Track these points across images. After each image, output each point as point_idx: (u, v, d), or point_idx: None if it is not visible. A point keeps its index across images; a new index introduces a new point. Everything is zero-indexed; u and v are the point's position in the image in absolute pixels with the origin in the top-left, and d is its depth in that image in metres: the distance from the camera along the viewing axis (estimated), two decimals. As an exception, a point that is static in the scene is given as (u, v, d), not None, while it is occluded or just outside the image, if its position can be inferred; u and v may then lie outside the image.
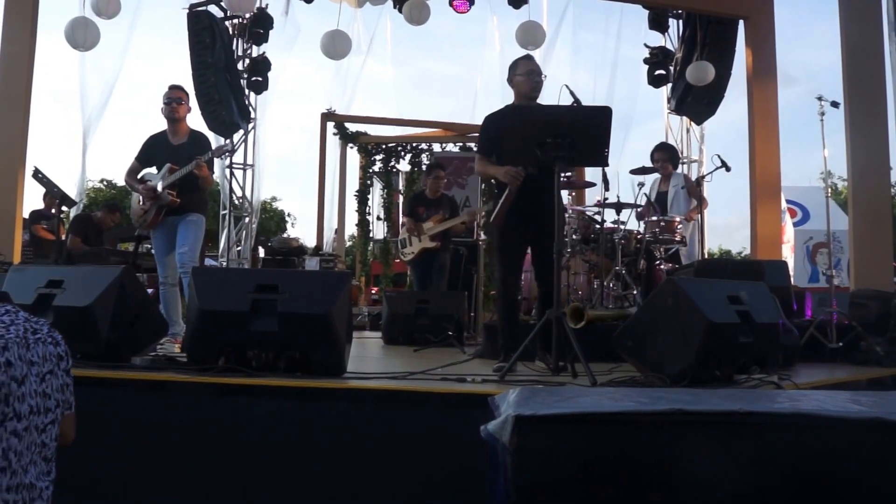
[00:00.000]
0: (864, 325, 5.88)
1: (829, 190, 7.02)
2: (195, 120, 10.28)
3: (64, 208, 7.38)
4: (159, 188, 5.81)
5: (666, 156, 8.04)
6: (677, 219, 7.12)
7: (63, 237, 8.24)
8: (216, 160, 6.53)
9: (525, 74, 4.91)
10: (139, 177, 6.04)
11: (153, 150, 6.05)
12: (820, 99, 6.11)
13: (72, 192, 9.16)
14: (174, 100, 5.97)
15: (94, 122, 11.48)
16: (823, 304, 6.19)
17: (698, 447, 2.06)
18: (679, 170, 8.99)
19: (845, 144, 8.24)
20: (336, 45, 10.77)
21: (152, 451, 3.41)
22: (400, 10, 10.98)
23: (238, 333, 3.70)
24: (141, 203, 5.96)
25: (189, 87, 10.15)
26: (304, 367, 3.71)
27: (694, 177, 10.22)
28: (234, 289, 3.79)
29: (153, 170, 6.01)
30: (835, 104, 6.16)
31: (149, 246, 7.11)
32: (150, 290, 6.73)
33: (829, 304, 5.95)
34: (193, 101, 9.95)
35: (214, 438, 3.41)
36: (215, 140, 8.90)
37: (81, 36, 9.39)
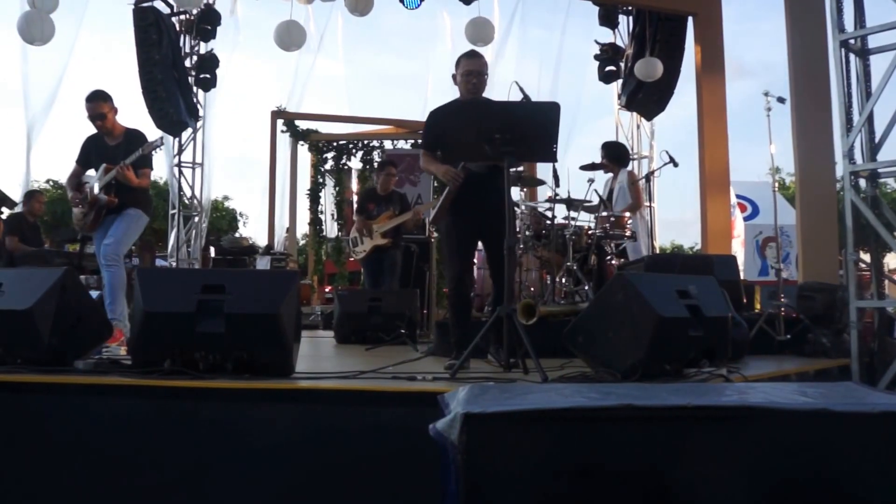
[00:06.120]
0: (811, 317, 5.97)
1: (778, 185, 7.11)
2: (142, 117, 10.17)
3: (4, 209, 7.22)
4: (96, 190, 5.71)
5: (604, 153, 8.01)
6: (627, 214, 7.15)
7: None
8: (163, 157, 6.43)
9: (463, 75, 4.81)
10: (82, 179, 5.93)
11: (90, 152, 5.95)
12: (766, 94, 6.17)
13: (16, 193, 8.98)
14: (97, 117, 5.84)
15: (38, 120, 11.28)
16: (772, 298, 6.26)
17: (648, 442, 2.06)
18: (630, 166, 9.04)
19: (792, 140, 8.37)
20: (291, 36, 10.62)
21: (97, 456, 3.33)
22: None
23: (184, 335, 3.61)
24: (80, 206, 5.85)
25: (136, 85, 10.09)
26: (251, 368, 3.65)
27: (644, 172, 10.30)
28: (180, 290, 3.70)
29: (94, 171, 5.90)
30: (781, 100, 6.23)
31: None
32: (97, 292, 6.59)
33: (777, 298, 6.02)
34: (139, 98, 9.88)
35: (161, 442, 3.34)
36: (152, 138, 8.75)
37: (38, 30, 9.07)
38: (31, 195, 9.15)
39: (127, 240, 5.85)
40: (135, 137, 5.90)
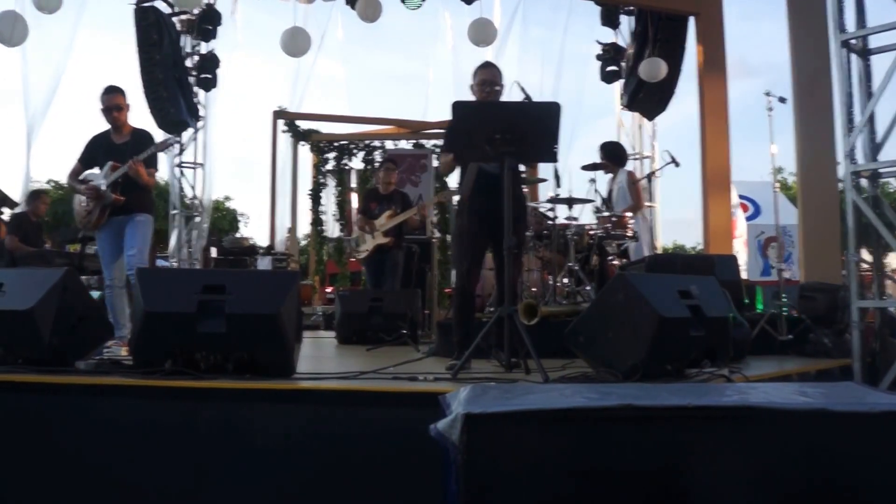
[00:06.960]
0: (812, 317, 5.96)
1: (780, 185, 7.11)
2: (143, 117, 10.16)
3: (6, 209, 7.21)
4: (102, 187, 5.68)
5: (602, 154, 8.00)
6: (628, 215, 7.15)
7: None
8: (164, 157, 6.40)
9: (479, 84, 4.95)
10: (81, 178, 5.90)
11: (96, 151, 5.92)
12: (768, 94, 6.17)
13: (17, 193, 8.97)
14: (113, 107, 5.83)
15: (38, 120, 11.28)
16: (774, 298, 6.26)
17: (649, 442, 2.05)
18: (629, 166, 9.02)
19: (794, 139, 8.36)
20: (297, 43, 10.61)
21: (98, 457, 3.33)
22: (352, 7, 10.89)
23: (185, 335, 3.61)
24: (84, 204, 5.82)
25: (137, 85, 10.08)
26: (252, 368, 3.65)
27: (646, 172, 10.29)
28: (181, 290, 3.70)
29: (96, 170, 5.87)
30: (782, 99, 6.23)
31: (96, 247, 6.93)
32: (98, 293, 6.60)
33: (779, 298, 6.02)
34: (140, 98, 9.88)
35: (162, 442, 3.34)
36: (164, 137, 8.75)
37: (8, 30, 9.00)
38: (35, 195, 9.13)
39: (147, 247, 5.85)
40: (143, 137, 5.90)
